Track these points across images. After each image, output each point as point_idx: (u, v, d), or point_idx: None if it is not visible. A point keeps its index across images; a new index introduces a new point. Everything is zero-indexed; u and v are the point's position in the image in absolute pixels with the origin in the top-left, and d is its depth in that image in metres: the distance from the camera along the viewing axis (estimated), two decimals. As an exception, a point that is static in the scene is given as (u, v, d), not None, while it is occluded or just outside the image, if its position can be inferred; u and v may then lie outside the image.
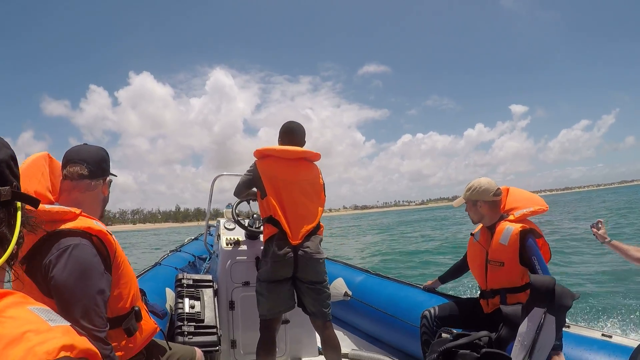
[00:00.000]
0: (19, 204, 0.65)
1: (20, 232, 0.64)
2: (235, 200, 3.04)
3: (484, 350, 1.19)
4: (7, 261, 0.61)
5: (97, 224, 1.29)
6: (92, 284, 1.19)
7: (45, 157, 1.38)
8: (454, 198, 2.63)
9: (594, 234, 2.37)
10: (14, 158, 0.68)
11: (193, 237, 5.46)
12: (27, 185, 1.24)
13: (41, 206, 1.15)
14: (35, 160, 1.34)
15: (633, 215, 19.44)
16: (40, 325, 0.50)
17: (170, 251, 4.52)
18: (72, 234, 1.22)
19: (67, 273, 1.16)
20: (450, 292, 3.09)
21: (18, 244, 0.63)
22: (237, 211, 3.02)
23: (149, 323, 1.51)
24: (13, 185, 0.65)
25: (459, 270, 2.81)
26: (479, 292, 2.50)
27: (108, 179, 1.50)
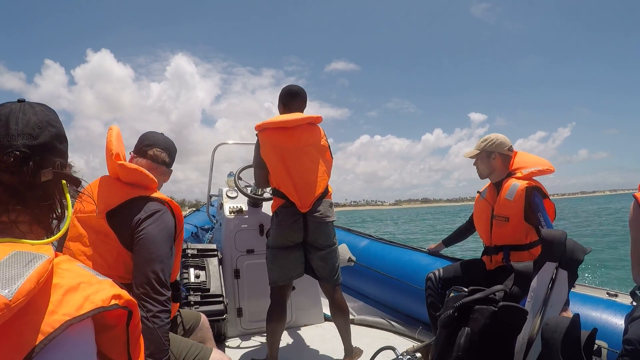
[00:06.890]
0: (64, 182, 0.70)
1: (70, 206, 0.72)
2: (237, 168, 2.99)
3: (501, 303, 1.17)
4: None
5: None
6: (170, 247, 1.42)
7: (119, 129, 1.60)
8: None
9: None
10: (58, 136, 0.72)
11: (195, 209, 5.45)
12: (119, 148, 1.48)
13: (142, 169, 1.46)
14: (118, 132, 1.55)
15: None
16: (91, 278, 0.60)
17: None
18: (160, 202, 1.47)
19: (157, 231, 1.39)
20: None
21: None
22: (238, 178, 2.97)
23: None
24: (55, 165, 0.70)
25: (463, 232, 2.83)
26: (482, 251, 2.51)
27: (171, 170, 1.74)
